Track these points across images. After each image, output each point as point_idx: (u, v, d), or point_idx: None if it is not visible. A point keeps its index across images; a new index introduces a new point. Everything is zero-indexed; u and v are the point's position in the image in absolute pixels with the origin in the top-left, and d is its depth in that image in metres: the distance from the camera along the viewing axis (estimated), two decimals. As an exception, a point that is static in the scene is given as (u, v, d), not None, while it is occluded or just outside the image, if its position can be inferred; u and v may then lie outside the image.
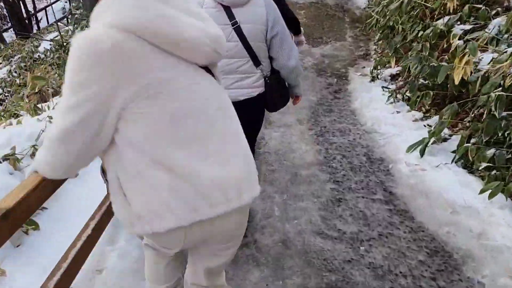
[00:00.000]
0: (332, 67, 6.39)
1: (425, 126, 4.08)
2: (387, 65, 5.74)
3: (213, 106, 1.17)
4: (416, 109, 4.33)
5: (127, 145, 1.08)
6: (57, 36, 7.37)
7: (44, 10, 14.96)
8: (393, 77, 5.61)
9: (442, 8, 4.19)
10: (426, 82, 4.05)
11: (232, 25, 2.03)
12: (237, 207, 1.17)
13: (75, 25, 7.07)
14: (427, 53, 3.94)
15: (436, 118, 4.02)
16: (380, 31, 6.37)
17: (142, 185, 1.10)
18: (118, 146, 1.10)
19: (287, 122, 4.47)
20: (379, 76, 5.74)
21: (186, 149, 1.10)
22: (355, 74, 6.11)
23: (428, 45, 4.02)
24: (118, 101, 1.02)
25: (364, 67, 6.42)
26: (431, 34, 3.98)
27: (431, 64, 3.66)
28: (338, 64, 6.53)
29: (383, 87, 5.27)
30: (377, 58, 6.51)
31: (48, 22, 15.01)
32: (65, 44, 6.15)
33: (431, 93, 3.80)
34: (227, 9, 2.02)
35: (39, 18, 14.77)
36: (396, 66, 5.33)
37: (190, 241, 1.20)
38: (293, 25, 3.21)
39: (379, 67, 5.73)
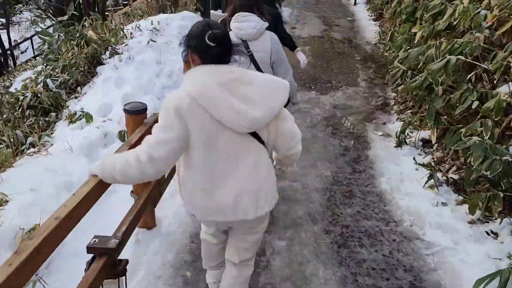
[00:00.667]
0: (346, 123, 5.31)
1: (488, 234, 2.96)
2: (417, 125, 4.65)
3: (238, 155, 1.72)
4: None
5: (187, 165, 1.76)
6: (27, 79, 6.23)
7: (30, 40, 14.05)
8: (426, 142, 4.53)
9: (504, 71, 3.12)
10: (487, 173, 2.93)
11: (248, 53, 2.73)
12: (246, 219, 1.79)
13: (46, 66, 5.98)
14: (488, 135, 2.86)
15: (504, 221, 2.91)
16: (400, 77, 5.31)
17: (189, 188, 1.80)
18: (180, 163, 1.81)
19: (296, 217, 3.34)
20: (407, 140, 4.65)
21: (211, 180, 1.74)
22: (375, 133, 5.01)
23: (490, 123, 2.93)
24: (186, 143, 1.67)
25: (384, 123, 5.34)
26: (494, 107, 2.90)
27: (504, 159, 2.56)
28: (353, 118, 5.46)
29: (415, 158, 4.18)
30: (401, 114, 5.44)
31: (34, 53, 14.09)
32: (25, 96, 5.05)
33: (501, 195, 2.69)
34: (245, 42, 2.75)
35: (23, 49, 13.82)
36: (438, 144, 4.16)
37: (220, 227, 1.98)
38: (288, 44, 3.86)
39: (406, 131, 4.62)
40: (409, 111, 5.35)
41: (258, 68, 2.76)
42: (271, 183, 1.84)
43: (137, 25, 6.46)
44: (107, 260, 1.90)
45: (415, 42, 5.25)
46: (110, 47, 5.80)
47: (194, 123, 1.60)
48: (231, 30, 2.73)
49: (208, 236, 2.17)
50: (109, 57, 5.62)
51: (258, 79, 1.70)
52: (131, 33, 6.31)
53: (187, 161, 1.74)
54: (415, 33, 5.34)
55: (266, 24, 2.77)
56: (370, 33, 9.92)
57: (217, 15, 11.78)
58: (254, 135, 1.71)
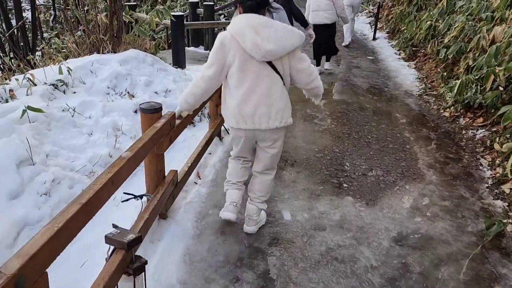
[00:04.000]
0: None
1: None
2: None
3: (259, 78, 2.42)
4: None
5: (226, 84, 2.53)
6: None
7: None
8: None
9: None
10: None
11: None
12: (261, 128, 2.51)
13: None
14: None
15: None
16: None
17: (228, 103, 2.55)
18: (224, 84, 2.57)
19: None
20: None
21: (241, 95, 2.45)
22: None
23: None
24: (227, 65, 2.43)
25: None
26: None
27: None
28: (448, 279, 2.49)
29: None
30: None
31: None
32: None
33: None
34: None
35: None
36: None
37: (248, 137, 2.61)
38: (299, 20, 5.33)
39: None
40: None
41: None
42: (282, 105, 2.52)
43: (27, 78, 3.56)
44: (126, 255, 1.80)
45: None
46: None
47: (231, 51, 2.38)
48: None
49: (234, 159, 2.89)
50: None
51: (278, 26, 2.39)
52: (10, 91, 3.42)
53: (228, 83, 2.50)
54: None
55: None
56: (406, 78, 7.12)
57: (197, 52, 9.08)
58: (272, 66, 2.42)
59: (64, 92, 3.67)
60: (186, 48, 7.74)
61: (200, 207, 3.17)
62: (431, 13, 6.75)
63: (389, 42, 9.60)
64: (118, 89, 4.10)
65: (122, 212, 2.78)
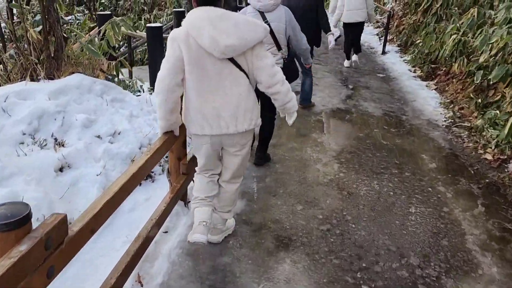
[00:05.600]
0: None
1: None
2: None
3: (221, 77, 2.18)
4: None
5: (186, 87, 2.26)
6: None
7: None
8: None
9: None
10: None
11: (265, 23, 3.02)
12: (228, 133, 2.27)
13: None
14: None
15: None
16: None
17: (188, 106, 2.30)
18: (184, 87, 2.28)
19: None
20: None
21: (202, 96, 2.21)
22: None
23: None
24: (180, 61, 2.15)
25: None
26: None
27: None
28: None
29: None
30: None
31: None
32: None
33: None
34: (262, 14, 3.25)
35: None
36: None
37: (213, 144, 2.35)
38: (323, 25, 4.84)
39: None
40: None
41: (274, 37, 3.27)
42: (250, 105, 2.28)
43: None
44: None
45: None
46: None
47: (186, 48, 2.11)
48: (249, 4, 3.37)
49: (200, 173, 2.57)
50: None
51: (238, 18, 2.15)
52: None
53: (186, 84, 2.24)
54: None
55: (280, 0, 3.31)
56: (426, 103, 5.90)
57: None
58: (235, 63, 2.17)
59: None
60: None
61: None
62: (458, 25, 5.57)
63: (401, 57, 8.41)
64: (40, 134, 2.90)
65: None
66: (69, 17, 13.57)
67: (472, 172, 3.90)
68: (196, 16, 2.12)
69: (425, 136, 4.78)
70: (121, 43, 9.44)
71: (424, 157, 4.21)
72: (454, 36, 5.46)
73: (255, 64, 2.22)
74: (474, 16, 5.27)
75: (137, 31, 10.58)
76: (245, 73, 2.23)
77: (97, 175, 2.83)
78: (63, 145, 2.94)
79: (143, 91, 4.97)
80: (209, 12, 2.12)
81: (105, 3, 13.53)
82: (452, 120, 5.12)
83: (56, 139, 2.95)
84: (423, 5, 7.13)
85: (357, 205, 3.26)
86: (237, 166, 2.50)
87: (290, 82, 3.54)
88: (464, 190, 3.57)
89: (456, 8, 6.69)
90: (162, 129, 2.44)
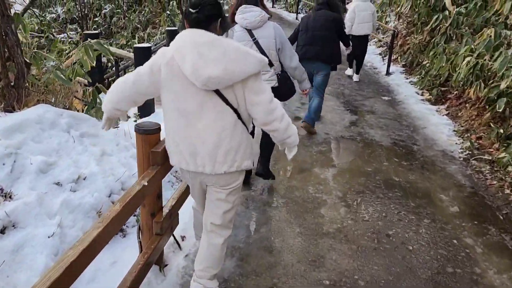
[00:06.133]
0: None
1: None
2: None
3: (202, 110, 1.89)
4: None
5: (165, 116, 2.01)
6: None
7: None
8: None
9: None
10: None
11: (253, 40, 3.10)
12: (205, 172, 1.98)
13: None
14: None
15: None
16: None
17: (167, 136, 2.04)
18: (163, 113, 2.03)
19: None
20: None
21: (179, 129, 1.94)
22: None
23: None
24: (157, 80, 1.91)
25: None
26: None
27: None
28: None
29: None
30: None
31: None
32: None
33: None
34: (249, 31, 3.12)
35: None
36: None
37: (195, 181, 2.11)
38: (343, 41, 5.08)
39: None
40: None
41: (264, 53, 3.08)
42: (235, 145, 1.95)
43: None
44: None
45: None
46: None
47: (168, 72, 1.87)
48: (236, 23, 3.17)
49: (195, 209, 2.42)
50: None
51: (230, 46, 1.84)
52: None
53: (165, 112, 1.99)
54: None
55: (268, 16, 3.14)
56: (438, 130, 5.38)
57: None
58: (221, 96, 1.88)
59: None
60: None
61: None
62: (472, 46, 5.09)
63: (407, 78, 7.93)
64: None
65: None
66: (62, 35, 13.25)
67: (501, 217, 3.35)
68: (183, 39, 1.88)
69: (442, 170, 4.24)
70: (109, 65, 8.99)
71: (444, 198, 3.67)
72: (468, 59, 4.97)
73: (249, 99, 1.92)
74: (491, 36, 4.79)
75: (129, 49, 10.14)
76: (232, 107, 1.92)
77: (48, 236, 2.27)
78: (10, 197, 2.39)
79: (126, 120, 4.45)
80: (197, 36, 1.86)
81: (99, 21, 13.16)
82: (470, 152, 4.59)
83: (1, 190, 2.40)
84: (430, 24, 6.67)
85: (370, 265, 2.70)
86: (222, 214, 2.13)
87: (284, 100, 3.31)
88: (496, 242, 3.02)
89: (466, 28, 6.23)
90: (108, 115, 2.16)
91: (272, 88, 3.18)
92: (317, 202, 3.49)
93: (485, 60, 4.74)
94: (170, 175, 3.52)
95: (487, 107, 5.07)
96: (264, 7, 3.17)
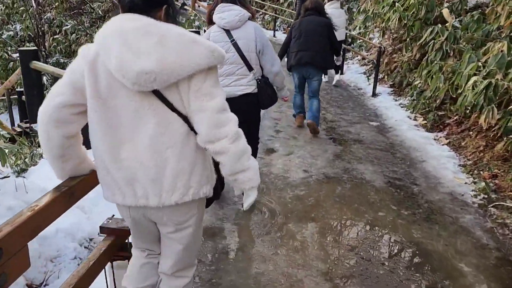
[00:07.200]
0: None
1: None
2: None
3: (138, 119, 1.39)
4: None
5: (90, 132, 1.48)
6: None
7: None
8: None
9: None
10: None
11: (231, 42, 2.89)
12: (149, 205, 1.44)
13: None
14: None
15: None
16: None
17: (95, 160, 1.51)
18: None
19: None
20: None
21: (109, 148, 1.43)
22: None
23: None
24: (81, 89, 1.42)
25: None
26: None
27: None
28: None
29: None
30: None
31: None
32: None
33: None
34: (227, 31, 2.90)
35: None
36: None
37: (136, 218, 1.55)
38: (335, 48, 4.89)
39: None
40: None
41: (243, 56, 2.93)
42: (186, 165, 1.44)
43: None
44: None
45: None
46: None
47: (90, 75, 1.38)
48: (214, 23, 2.92)
49: (135, 249, 1.77)
50: None
51: (168, 32, 1.36)
52: None
53: (90, 128, 1.47)
54: None
55: (249, 15, 2.91)
56: (441, 165, 4.40)
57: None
58: (163, 99, 1.39)
59: None
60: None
61: None
62: (480, 63, 4.20)
63: (396, 100, 7.03)
64: None
65: None
66: (16, 54, 12.10)
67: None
68: (110, 27, 1.39)
69: (454, 223, 3.25)
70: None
71: (464, 268, 2.66)
72: (475, 78, 4.07)
73: (193, 103, 1.40)
74: (502, 51, 3.91)
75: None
76: (180, 114, 1.41)
77: None
78: None
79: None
80: (126, 21, 1.37)
81: (59, 38, 12.07)
82: (486, 196, 3.63)
83: None
84: (424, 38, 5.81)
85: None
86: (179, 255, 1.65)
87: (266, 108, 3.19)
88: None
89: (464, 43, 5.39)
90: (58, 177, 1.63)
91: (251, 94, 3.04)
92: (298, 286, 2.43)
93: (497, 79, 3.84)
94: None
95: (498, 135, 4.15)
96: (244, 6, 2.95)
